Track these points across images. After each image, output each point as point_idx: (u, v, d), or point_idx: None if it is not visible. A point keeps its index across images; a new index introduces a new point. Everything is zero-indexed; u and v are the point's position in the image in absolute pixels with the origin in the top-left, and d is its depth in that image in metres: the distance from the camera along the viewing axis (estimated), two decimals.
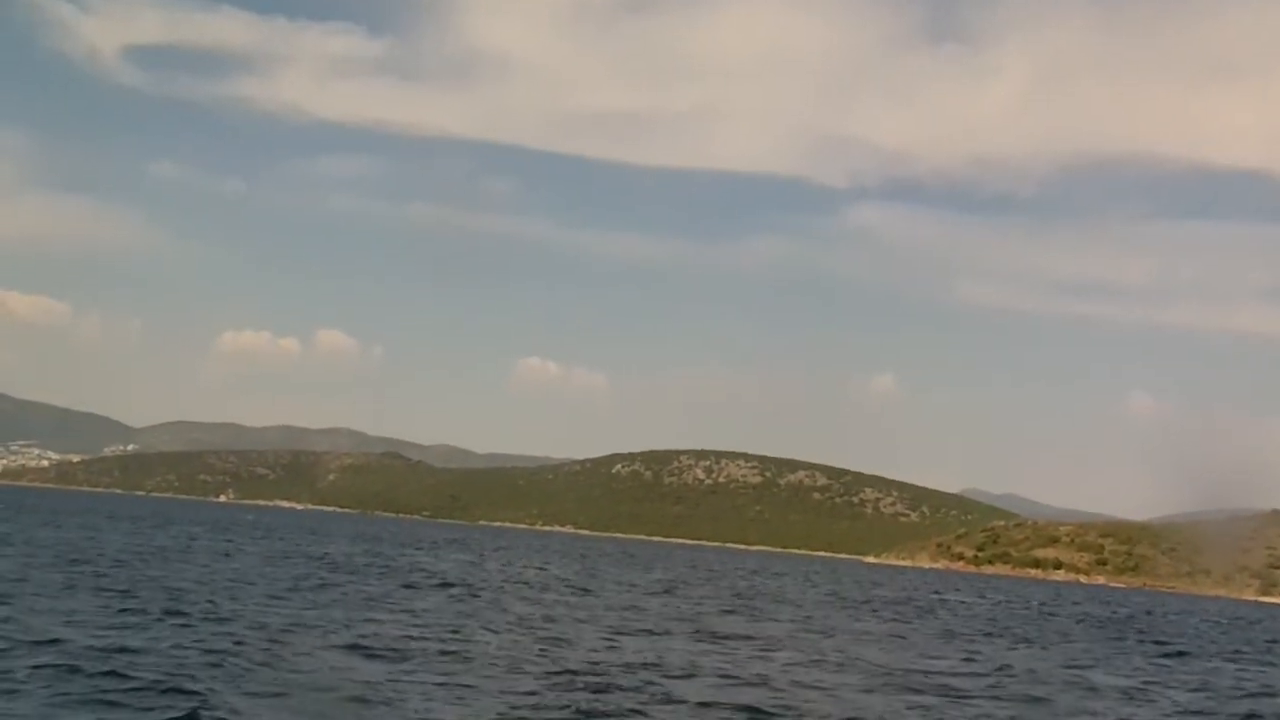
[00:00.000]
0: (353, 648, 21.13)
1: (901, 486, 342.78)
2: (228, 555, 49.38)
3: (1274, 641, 54.22)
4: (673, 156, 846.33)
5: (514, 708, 16.39)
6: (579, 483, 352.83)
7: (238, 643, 19.99)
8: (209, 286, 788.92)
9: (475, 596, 37.20)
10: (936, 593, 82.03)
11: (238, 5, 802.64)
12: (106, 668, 16.41)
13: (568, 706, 16.69)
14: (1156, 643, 44.20)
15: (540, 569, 64.53)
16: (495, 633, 25.94)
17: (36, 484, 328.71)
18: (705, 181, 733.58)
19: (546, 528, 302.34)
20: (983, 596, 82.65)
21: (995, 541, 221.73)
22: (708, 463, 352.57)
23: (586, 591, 46.15)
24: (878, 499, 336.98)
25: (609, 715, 16.39)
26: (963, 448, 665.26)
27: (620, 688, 18.74)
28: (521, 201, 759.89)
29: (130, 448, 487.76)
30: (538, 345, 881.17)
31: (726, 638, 29.48)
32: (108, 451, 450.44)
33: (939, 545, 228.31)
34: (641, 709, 17.04)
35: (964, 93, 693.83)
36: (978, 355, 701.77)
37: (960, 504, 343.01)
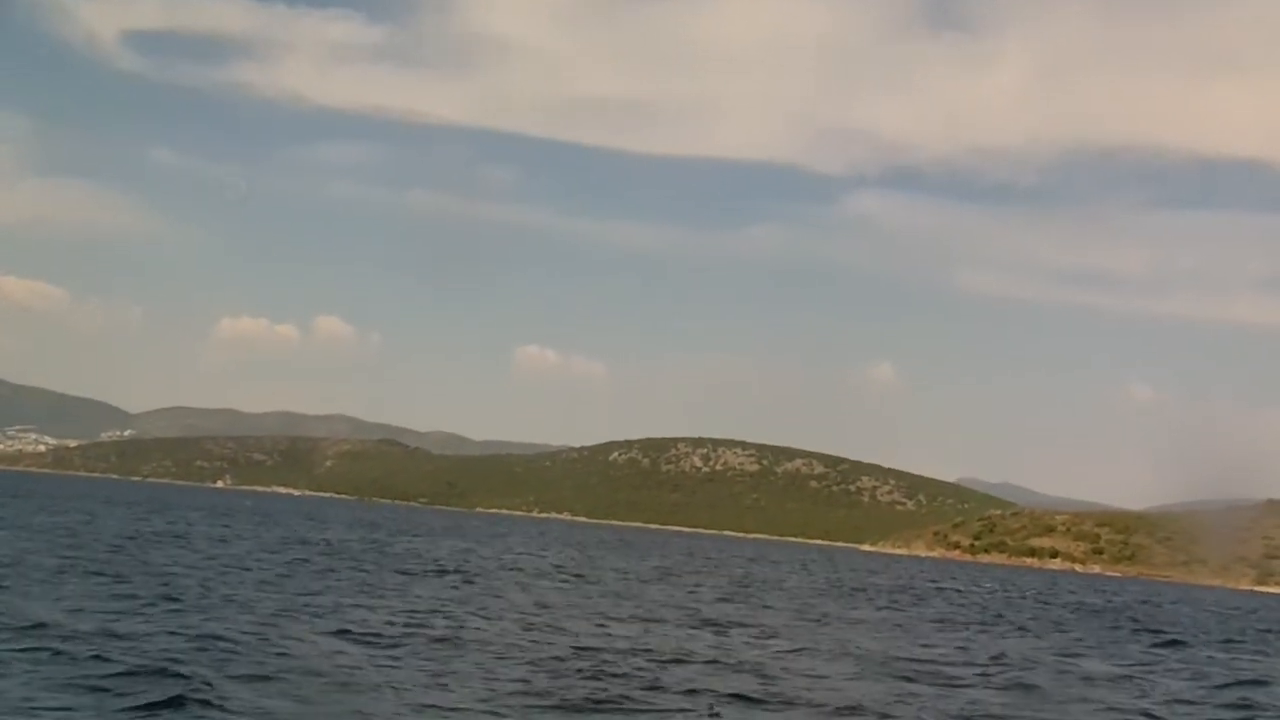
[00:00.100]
0: (344, 633, 21.09)
1: (898, 475, 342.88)
2: (224, 540, 49.34)
3: (1268, 631, 54.27)
4: (673, 145, 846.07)
5: (505, 694, 16.34)
6: (576, 470, 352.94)
7: (228, 627, 19.94)
8: (207, 272, 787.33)
9: (470, 583, 37.19)
10: (932, 581, 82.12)
11: None
12: (93, 651, 16.34)
13: (559, 692, 16.65)
14: (1151, 631, 44.21)
15: (536, 556, 64.59)
16: (489, 619, 25.91)
17: (33, 469, 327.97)
18: (705, 170, 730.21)
19: (544, 515, 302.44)
20: (978, 585, 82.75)
21: (991, 530, 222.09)
22: (705, 450, 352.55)
23: (582, 578, 46.20)
24: (875, 487, 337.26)
25: (600, 702, 16.34)
26: (960, 436, 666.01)
27: (612, 674, 18.69)
28: (521, 189, 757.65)
29: (127, 433, 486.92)
30: (536, 333, 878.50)
31: (721, 625, 29.46)
32: (105, 437, 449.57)
33: (935, 534, 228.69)
34: (631, 695, 16.99)
35: (964, 81, 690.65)
36: (976, 344, 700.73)
37: (957, 493, 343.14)
